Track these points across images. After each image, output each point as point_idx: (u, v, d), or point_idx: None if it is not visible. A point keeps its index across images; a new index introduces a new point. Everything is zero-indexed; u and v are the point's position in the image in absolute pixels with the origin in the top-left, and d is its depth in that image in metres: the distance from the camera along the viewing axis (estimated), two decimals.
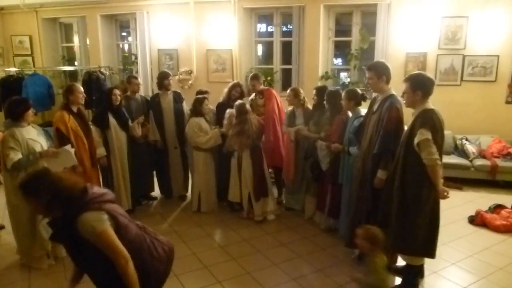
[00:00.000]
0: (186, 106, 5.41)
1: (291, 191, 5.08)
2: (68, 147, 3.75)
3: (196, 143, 4.76)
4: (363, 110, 3.89)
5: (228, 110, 4.81)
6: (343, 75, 7.29)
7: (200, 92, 5.22)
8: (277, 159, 5.09)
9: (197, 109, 4.81)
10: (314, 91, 4.61)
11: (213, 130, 4.86)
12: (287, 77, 7.23)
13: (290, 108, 4.93)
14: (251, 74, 5.35)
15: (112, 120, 4.70)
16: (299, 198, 5.01)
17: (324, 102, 4.27)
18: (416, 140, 2.90)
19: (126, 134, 4.82)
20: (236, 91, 5.20)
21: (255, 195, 4.68)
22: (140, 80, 5.40)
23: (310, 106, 4.79)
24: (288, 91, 4.85)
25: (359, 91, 4.00)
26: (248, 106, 4.63)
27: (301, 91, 4.84)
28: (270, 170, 5.09)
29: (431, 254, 3.16)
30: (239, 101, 4.71)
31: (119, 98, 4.74)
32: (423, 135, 2.88)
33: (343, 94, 3.99)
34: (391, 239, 3.13)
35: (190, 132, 4.78)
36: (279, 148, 5.08)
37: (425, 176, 2.94)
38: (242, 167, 4.64)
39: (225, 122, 4.76)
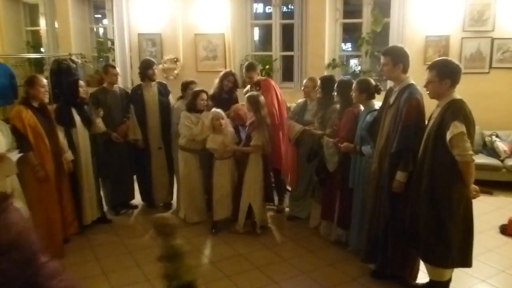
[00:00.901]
0: (172, 100, 5.44)
1: (294, 196, 5.11)
2: (13, 153, 3.72)
3: (191, 136, 4.73)
4: (377, 103, 3.90)
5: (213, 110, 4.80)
6: (353, 62, 7.32)
7: (185, 84, 5.21)
8: (276, 160, 5.12)
9: (194, 105, 4.79)
10: (319, 82, 4.62)
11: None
12: (288, 65, 7.22)
13: (300, 100, 4.99)
14: (246, 64, 5.38)
15: (76, 117, 4.68)
16: (304, 205, 5.03)
17: (334, 94, 4.27)
18: (448, 135, 2.90)
19: (88, 133, 4.83)
20: (229, 81, 5.21)
21: (263, 203, 4.73)
22: (118, 69, 5.35)
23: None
24: (306, 80, 4.89)
25: (372, 81, 3.99)
26: (262, 98, 4.62)
27: (318, 80, 4.79)
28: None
29: (468, 263, 3.17)
30: (251, 93, 4.75)
31: (84, 91, 4.74)
32: (457, 128, 2.88)
33: (353, 85, 3.99)
34: (421, 252, 3.16)
35: (182, 127, 4.74)
36: (278, 148, 5.10)
37: (457, 176, 2.96)
38: (247, 172, 4.59)
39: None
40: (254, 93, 4.71)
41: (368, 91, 3.92)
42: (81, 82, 4.74)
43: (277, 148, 5.08)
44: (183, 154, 4.92)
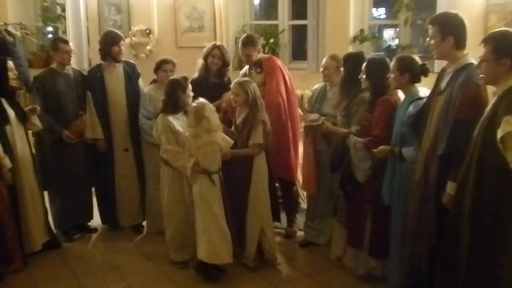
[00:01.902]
0: (143, 85, 5.49)
1: (310, 216, 5.15)
2: None
3: (179, 167, 4.58)
4: (423, 90, 3.92)
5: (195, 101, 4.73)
6: (388, 34, 7.27)
7: (159, 64, 5.23)
8: (284, 168, 5.15)
9: (177, 99, 4.62)
10: (341, 61, 4.69)
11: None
12: (300, 39, 7.20)
13: (317, 85, 5.03)
14: (242, 37, 5.38)
15: (10, 111, 4.69)
16: (323, 228, 5.07)
17: (362, 77, 4.27)
18: (499, 133, 2.90)
19: (24, 131, 4.89)
20: (213, 56, 5.25)
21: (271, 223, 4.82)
22: (71, 45, 5.36)
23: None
24: (326, 59, 4.91)
25: (417, 59, 3.98)
26: (254, 85, 4.65)
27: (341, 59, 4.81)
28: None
29: None
30: (240, 79, 4.78)
31: (16, 76, 4.78)
32: (510, 125, 2.87)
33: (392, 64, 3.98)
34: (460, 284, 3.16)
35: (164, 146, 4.60)
36: (286, 152, 5.14)
37: (510, 188, 2.94)
38: (253, 186, 4.57)
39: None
40: (245, 79, 4.71)
41: (412, 72, 3.91)
42: (10, 63, 4.74)
43: (284, 152, 5.12)
44: (167, 171, 4.80)
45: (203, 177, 4.32)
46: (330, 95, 4.88)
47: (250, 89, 4.53)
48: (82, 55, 7.42)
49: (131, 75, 5.38)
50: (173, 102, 4.61)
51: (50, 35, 8.36)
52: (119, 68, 5.34)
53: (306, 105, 5.17)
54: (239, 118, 4.67)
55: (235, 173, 4.62)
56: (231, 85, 4.70)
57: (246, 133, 4.57)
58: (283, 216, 5.38)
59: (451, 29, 3.42)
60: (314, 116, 4.81)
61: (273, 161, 4.91)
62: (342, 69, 4.64)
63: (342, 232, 4.66)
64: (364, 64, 4.27)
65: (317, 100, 4.96)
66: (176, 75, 4.88)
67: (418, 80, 3.95)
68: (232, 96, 4.65)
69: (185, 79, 4.71)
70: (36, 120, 4.89)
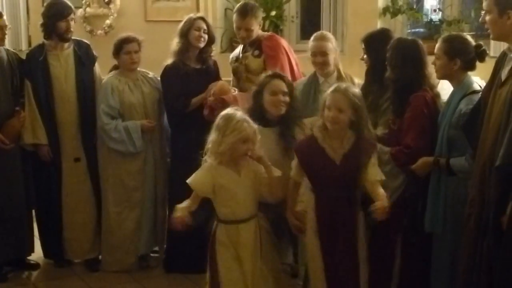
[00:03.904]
0: (101, 72, 5.54)
1: None
2: None
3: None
4: (477, 80, 4.00)
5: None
6: (429, 7, 7.28)
7: (119, 44, 5.27)
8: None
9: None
10: (363, 44, 4.73)
11: None
12: (311, 10, 7.25)
13: (302, 79, 5.13)
14: (239, 5, 5.46)
15: None
16: None
17: (386, 64, 4.34)
18: None
19: None
20: (198, 29, 5.22)
21: None
22: (5, 18, 5.36)
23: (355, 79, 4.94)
24: (314, 39, 5.00)
25: (470, 39, 4.01)
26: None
27: (333, 38, 4.96)
28: None
29: None
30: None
31: None
32: None
33: (437, 46, 4.02)
34: None
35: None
36: None
37: None
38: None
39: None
40: (344, 84, 4.29)
41: (466, 56, 3.94)
42: None
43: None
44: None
45: None
46: (326, 87, 4.70)
47: (357, 99, 3.96)
48: (19, 32, 7.47)
49: (84, 59, 5.39)
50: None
51: None
52: (68, 50, 5.36)
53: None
54: (338, 150, 4.01)
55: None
56: (327, 95, 4.09)
57: (356, 169, 4.04)
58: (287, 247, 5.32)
59: (511, 1, 3.44)
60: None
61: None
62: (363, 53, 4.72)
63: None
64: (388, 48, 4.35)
65: (310, 98, 4.94)
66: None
67: (473, 67, 4.00)
68: (330, 113, 3.98)
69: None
70: None
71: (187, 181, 4.07)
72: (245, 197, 4.01)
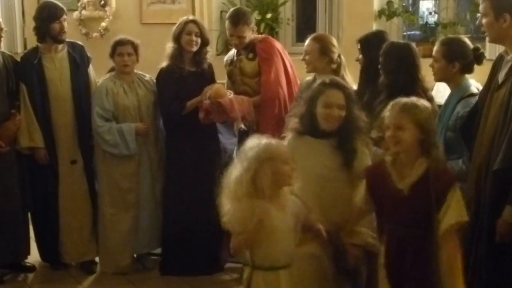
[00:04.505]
0: (96, 74, 5.53)
1: None
2: None
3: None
4: (474, 83, 4.01)
5: None
6: (424, 9, 7.32)
7: (114, 47, 5.26)
8: None
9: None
10: (358, 45, 4.74)
11: None
12: (307, 13, 7.25)
13: (308, 78, 5.07)
14: (231, 12, 5.44)
15: None
16: None
17: (379, 68, 4.35)
18: None
19: None
20: (189, 33, 5.18)
21: None
22: (1, 21, 5.37)
23: (348, 77, 4.90)
24: (308, 40, 4.99)
25: (468, 42, 4.02)
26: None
27: (334, 41, 4.93)
28: None
29: None
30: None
31: None
32: None
33: (435, 49, 4.01)
34: None
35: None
36: None
37: None
38: None
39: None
40: (408, 100, 3.67)
41: (464, 60, 3.94)
42: None
43: None
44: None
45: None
46: None
47: (424, 116, 3.41)
48: (14, 35, 7.46)
49: (79, 61, 5.38)
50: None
51: None
52: (62, 52, 5.35)
53: (293, 105, 5.09)
54: (406, 178, 3.43)
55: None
56: (387, 112, 3.63)
57: (427, 204, 3.48)
58: None
59: (507, 4, 3.44)
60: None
61: None
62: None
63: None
64: (381, 52, 4.33)
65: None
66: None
67: (471, 71, 4.00)
68: (388, 132, 3.48)
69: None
70: None
71: (223, 221, 3.36)
72: (289, 236, 3.38)
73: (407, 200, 3.27)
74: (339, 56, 4.85)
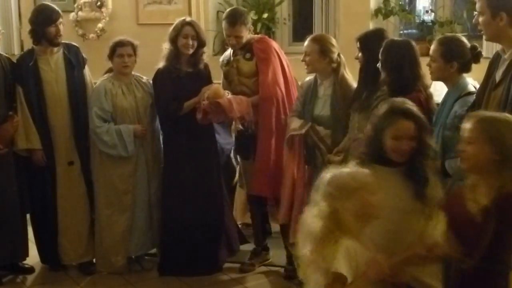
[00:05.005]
0: (91, 75, 5.52)
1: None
2: None
3: None
4: (471, 81, 4.00)
5: None
6: (421, 7, 7.32)
7: (113, 48, 5.24)
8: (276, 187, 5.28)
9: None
10: (357, 43, 4.71)
11: None
12: (304, 12, 7.23)
13: (308, 78, 5.08)
14: (227, 12, 5.43)
15: None
16: None
17: (379, 66, 4.33)
18: None
19: None
20: (185, 36, 5.16)
21: None
22: None
23: (349, 76, 4.92)
24: (307, 41, 4.96)
25: (465, 41, 4.00)
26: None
27: (333, 41, 4.92)
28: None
29: None
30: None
31: None
32: None
33: (432, 48, 4.01)
34: None
35: None
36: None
37: None
38: None
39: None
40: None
41: (463, 59, 3.92)
42: None
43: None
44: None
45: None
46: (321, 91, 4.91)
47: (503, 131, 2.96)
48: (11, 37, 7.45)
49: (74, 62, 5.36)
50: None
51: None
52: (58, 54, 5.34)
53: (294, 105, 5.14)
54: (480, 201, 3.00)
55: None
56: (467, 127, 3.22)
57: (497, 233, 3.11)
58: (282, 252, 5.44)
59: (504, 2, 3.43)
60: (296, 123, 4.84)
61: (271, 179, 5.08)
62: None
63: None
64: (381, 50, 4.32)
65: (308, 98, 4.98)
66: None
67: (469, 70, 3.98)
68: (459, 146, 3.18)
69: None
70: None
71: (331, 271, 2.89)
72: None
73: (479, 226, 2.87)
74: (338, 55, 4.83)
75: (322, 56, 4.79)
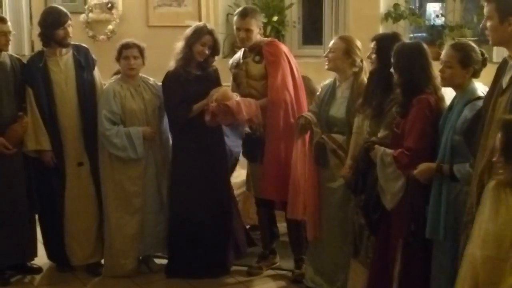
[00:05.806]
0: (101, 76, 5.53)
1: (316, 254, 5.16)
2: None
3: None
4: (480, 86, 3.94)
5: None
6: (431, 11, 7.28)
7: (120, 50, 5.26)
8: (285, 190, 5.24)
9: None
10: (373, 43, 4.69)
11: None
12: (313, 16, 7.20)
13: (327, 81, 5.09)
14: (237, 11, 5.39)
15: None
16: (333, 270, 5.04)
17: (392, 70, 4.31)
18: None
19: None
20: (204, 44, 5.16)
21: None
22: (9, 24, 5.33)
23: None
24: (335, 39, 5.01)
25: (475, 46, 3.96)
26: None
27: (360, 45, 4.91)
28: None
29: None
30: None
31: None
32: None
33: (446, 53, 3.95)
34: None
35: None
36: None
37: None
38: None
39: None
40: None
41: (477, 65, 3.89)
42: None
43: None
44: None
45: None
46: (339, 93, 4.90)
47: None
48: (22, 38, 7.46)
49: (84, 63, 5.36)
50: None
51: None
52: (68, 55, 5.35)
53: (311, 106, 5.16)
54: None
55: None
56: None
57: None
58: (289, 256, 5.46)
59: None
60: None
61: (280, 183, 5.05)
62: (372, 53, 4.67)
63: (361, 275, 4.63)
64: (393, 53, 4.31)
65: (325, 99, 4.98)
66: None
67: (479, 75, 3.96)
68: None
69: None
70: None
71: None
72: None
73: None
74: (361, 60, 4.83)
75: (345, 56, 4.78)
